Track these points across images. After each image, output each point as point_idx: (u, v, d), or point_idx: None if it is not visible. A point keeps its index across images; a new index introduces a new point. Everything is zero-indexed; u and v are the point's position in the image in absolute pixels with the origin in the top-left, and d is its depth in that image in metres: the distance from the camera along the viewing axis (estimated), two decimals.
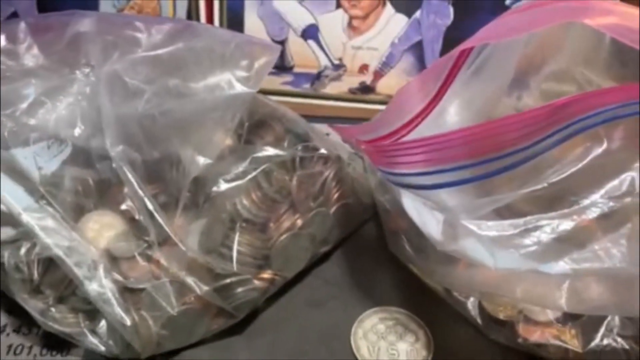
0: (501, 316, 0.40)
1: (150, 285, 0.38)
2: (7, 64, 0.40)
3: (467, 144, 0.31)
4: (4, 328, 0.41)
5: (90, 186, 0.40)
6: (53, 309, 0.38)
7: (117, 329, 0.37)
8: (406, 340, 0.41)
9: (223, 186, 0.41)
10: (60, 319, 0.38)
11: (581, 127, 0.30)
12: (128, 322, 0.37)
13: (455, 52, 0.36)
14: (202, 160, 0.39)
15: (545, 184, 0.33)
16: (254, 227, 0.42)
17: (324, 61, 0.59)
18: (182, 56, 0.40)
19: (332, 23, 0.57)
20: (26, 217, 0.37)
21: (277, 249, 0.42)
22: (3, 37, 0.40)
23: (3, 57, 0.40)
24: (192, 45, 0.40)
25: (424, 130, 0.38)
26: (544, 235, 0.32)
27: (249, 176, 0.41)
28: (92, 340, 0.38)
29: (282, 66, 0.60)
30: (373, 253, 0.47)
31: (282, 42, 0.58)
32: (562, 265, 0.31)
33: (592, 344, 0.38)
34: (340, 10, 0.57)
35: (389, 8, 0.57)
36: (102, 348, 0.38)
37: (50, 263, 0.37)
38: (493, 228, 0.32)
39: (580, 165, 0.33)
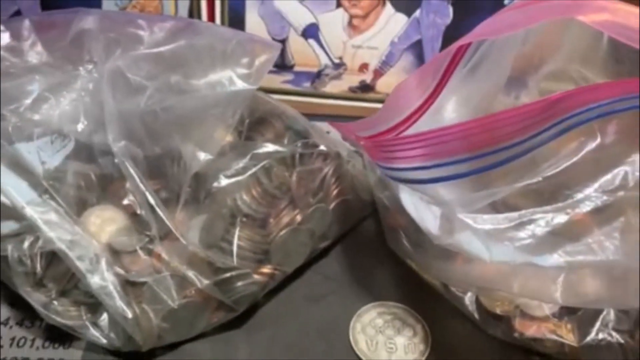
0: (498, 311, 0.41)
1: (151, 278, 0.38)
2: (12, 61, 0.40)
3: (463, 138, 0.31)
4: (7, 321, 0.41)
5: (92, 181, 0.40)
6: (55, 302, 0.38)
7: (118, 322, 0.37)
8: (404, 334, 0.42)
9: (223, 182, 0.41)
10: (62, 312, 0.38)
11: (576, 121, 0.31)
12: (129, 315, 0.37)
13: (453, 47, 0.36)
14: (203, 156, 0.40)
15: (540, 178, 0.33)
16: (254, 222, 0.42)
17: (324, 60, 0.60)
18: (183, 53, 0.40)
19: (333, 22, 0.58)
20: (29, 211, 0.37)
21: (277, 244, 0.42)
22: (7, 34, 0.40)
23: (7, 54, 0.40)
24: (193, 43, 0.40)
25: (422, 126, 0.39)
26: (539, 228, 0.32)
27: (249, 172, 0.41)
28: (94, 332, 0.38)
29: (282, 65, 0.60)
30: (372, 249, 0.48)
31: (283, 41, 0.59)
32: (556, 258, 0.31)
33: (588, 338, 0.38)
34: (341, 10, 0.57)
35: (389, 7, 0.57)
36: (104, 340, 0.38)
37: (53, 256, 0.38)
38: (488, 221, 0.33)
39: (574, 160, 0.33)
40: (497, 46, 0.38)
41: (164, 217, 0.38)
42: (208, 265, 0.39)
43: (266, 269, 0.42)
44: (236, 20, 0.57)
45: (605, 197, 0.32)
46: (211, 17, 0.57)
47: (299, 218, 0.43)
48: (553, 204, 0.33)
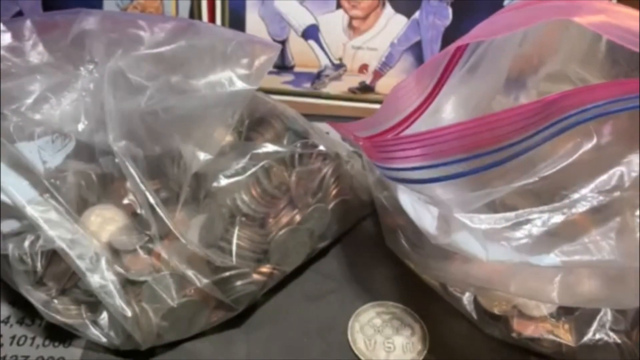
0: (496, 311, 0.41)
1: (151, 277, 0.38)
2: (13, 61, 0.40)
3: (461, 138, 0.31)
4: (7, 319, 0.41)
5: (93, 180, 0.40)
6: (56, 301, 0.39)
7: (118, 321, 0.37)
8: (402, 334, 0.42)
9: (223, 182, 0.41)
10: (62, 311, 0.39)
11: (573, 122, 0.31)
12: (129, 314, 0.37)
13: (451, 48, 0.36)
14: (202, 156, 0.40)
15: (537, 178, 0.33)
16: (254, 221, 0.42)
17: (324, 61, 0.60)
18: (184, 54, 0.40)
19: (333, 23, 0.58)
20: (30, 210, 0.37)
21: (276, 243, 0.42)
22: (9, 34, 0.41)
23: (9, 54, 0.40)
24: (194, 43, 0.40)
25: (420, 126, 0.39)
26: (535, 228, 0.32)
27: (249, 172, 0.42)
28: (94, 331, 0.38)
29: (282, 66, 0.60)
30: (371, 249, 0.48)
31: (283, 42, 0.59)
32: (553, 258, 0.32)
33: (585, 339, 0.39)
34: (341, 11, 0.58)
35: (389, 9, 0.57)
36: (104, 339, 0.38)
37: (53, 255, 0.38)
38: (485, 221, 0.33)
39: (570, 160, 0.33)
40: (495, 47, 0.38)
41: (163, 217, 0.38)
42: (207, 264, 0.40)
43: (265, 269, 0.42)
44: (236, 20, 0.58)
45: (601, 198, 0.32)
46: (212, 18, 0.57)
47: (298, 218, 0.44)
48: (550, 204, 0.33)
